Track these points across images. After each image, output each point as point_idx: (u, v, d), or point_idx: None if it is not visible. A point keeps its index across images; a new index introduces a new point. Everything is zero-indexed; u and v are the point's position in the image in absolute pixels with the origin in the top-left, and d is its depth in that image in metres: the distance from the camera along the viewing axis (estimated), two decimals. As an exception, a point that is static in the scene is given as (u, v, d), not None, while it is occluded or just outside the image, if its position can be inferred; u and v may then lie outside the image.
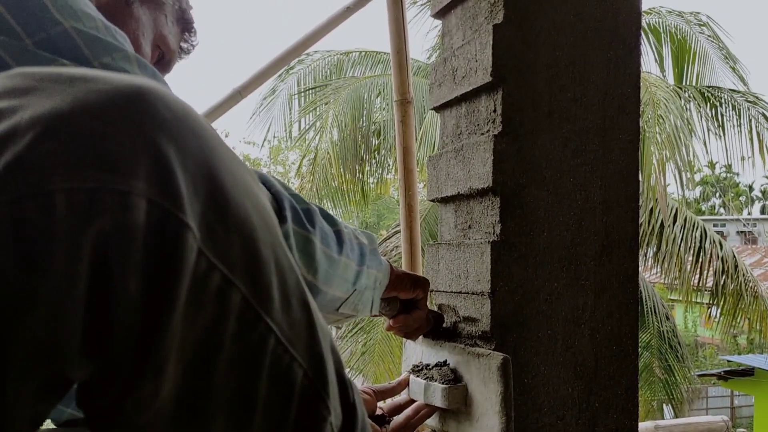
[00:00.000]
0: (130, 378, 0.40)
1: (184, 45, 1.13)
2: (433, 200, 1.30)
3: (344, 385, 0.55)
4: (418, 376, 1.20)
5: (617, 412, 1.16)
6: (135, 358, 0.40)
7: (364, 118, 7.25)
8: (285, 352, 0.47)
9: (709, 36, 7.64)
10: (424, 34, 7.64)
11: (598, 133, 1.16)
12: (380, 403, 1.20)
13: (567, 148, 1.14)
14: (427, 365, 1.21)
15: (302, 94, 7.75)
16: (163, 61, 1.06)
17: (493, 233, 1.12)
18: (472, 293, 1.17)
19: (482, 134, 1.16)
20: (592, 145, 1.15)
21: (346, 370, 0.57)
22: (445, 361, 1.18)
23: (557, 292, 1.14)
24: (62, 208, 0.37)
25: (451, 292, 1.23)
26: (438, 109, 1.30)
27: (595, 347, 1.15)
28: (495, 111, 1.12)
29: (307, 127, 7.65)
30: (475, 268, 1.15)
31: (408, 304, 1.17)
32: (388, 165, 7.58)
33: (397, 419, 1.16)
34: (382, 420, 1.16)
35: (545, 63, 1.13)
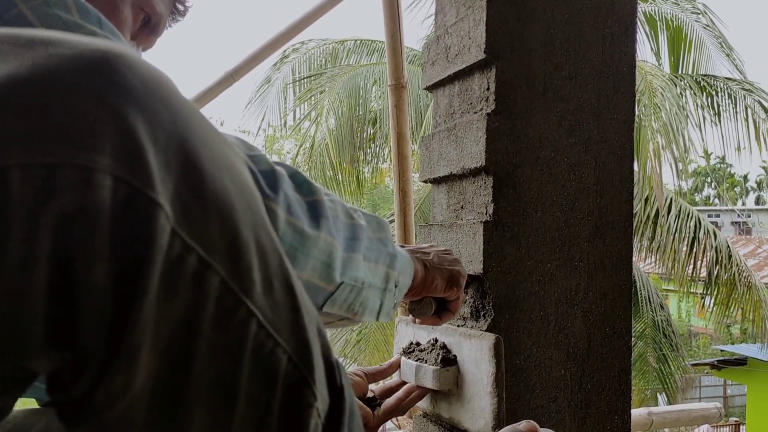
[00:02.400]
0: (99, 369, 0.37)
1: (178, 6, 1.00)
2: (425, 181, 1.29)
3: (331, 368, 0.53)
4: (409, 358, 1.19)
5: (610, 393, 1.15)
6: (104, 348, 0.37)
7: (360, 106, 7.23)
8: (268, 336, 0.44)
9: (705, 25, 7.62)
10: (419, 23, 7.59)
11: (593, 112, 1.14)
12: (371, 386, 1.19)
13: (561, 127, 1.13)
14: (419, 346, 1.20)
15: (297, 82, 7.72)
16: (150, 25, 0.94)
17: (486, 213, 1.11)
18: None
19: (475, 113, 1.14)
20: (586, 124, 1.14)
21: (334, 353, 0.55)
22: (437, 342, 1.17)
23: (550, 273, 1.13)
24: (17, 185, 0.34)
25: (444, 273, 1.22)
26: (431, 88, 1.29)
27: (588, 329, 1.14)
28: (488, 89, 1.11)
29: (303, 115, 7.63)
30: (467, 249, 1.14)
31: (440, 302, 1.03)
32: (384, 154, 7.57)
33: (388, 401, 1.15)
34: (373, 402, 1.15)
35: (540, 40, 1.11)
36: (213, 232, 0.41)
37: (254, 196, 0.46)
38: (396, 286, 0.91)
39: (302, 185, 0.77)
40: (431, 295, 0.99)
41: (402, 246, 0.96)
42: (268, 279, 0.45)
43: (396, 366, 1.22)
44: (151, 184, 0.37)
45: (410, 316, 1.06)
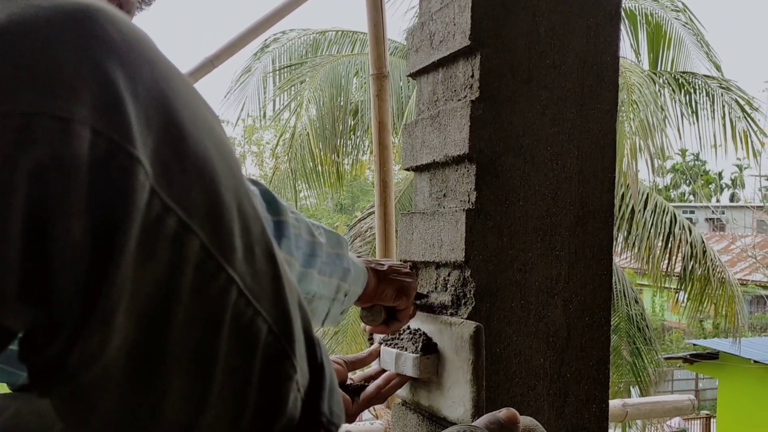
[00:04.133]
0: (75, 328, 0.37)
1: None
2: (408, 169, 1.28)
3: (312, 344, 0.52)
4: (389, 346, 1.19)
5: (588, 382, 1.16)
6: (79, 307, 0.36)
7: (342, 96, 7.19)
8: (248, 305, 0.43)
9: (684, 23, 7.69)
10: (402, 14, 7.57)
11: (577, 101, 1.14)
12: (351, 374, 1.18)
13: (545, 116, 1.12)
14: (400, 335, 1.19)
15: (278, 72, 7.66)
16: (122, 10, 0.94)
17: (468, 201, 1.11)
18: (446, 262, 1.15)
19: (459, 100, 1.13)
20: (569, 113, 1.14)
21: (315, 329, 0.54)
22: (418, 331, 1.17)
23: (531, 261, 1.13)
24: None
25: (425, 261, 1.21)
26: (414, 75, 1.28)
27: (568, 318, 1.15)
28: (473, 76, 1.10)
29: (283, 105, 7.57)
30: (449, 237, 1.13)
31: (390, 311, 1.13)
32: (364, 146, 7.54)
33: (368, 389, 1.14)
34: (352, 390, 1.14)
35: (525, 28, 1.10)
36: (194, 194, 0.40)
37: (236, 162, 0.45)
38: (346, 295, 1.01)
39: (271, 203, 0.82)
40: (382, 303, 1.10)
41: (359, 257, 1.06)
42: (250, 246, 0.44)
43: (376, 354, 1.21)
44: (130, 139, 0.37)
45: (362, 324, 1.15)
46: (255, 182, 0.80)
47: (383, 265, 1.11)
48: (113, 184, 0.36)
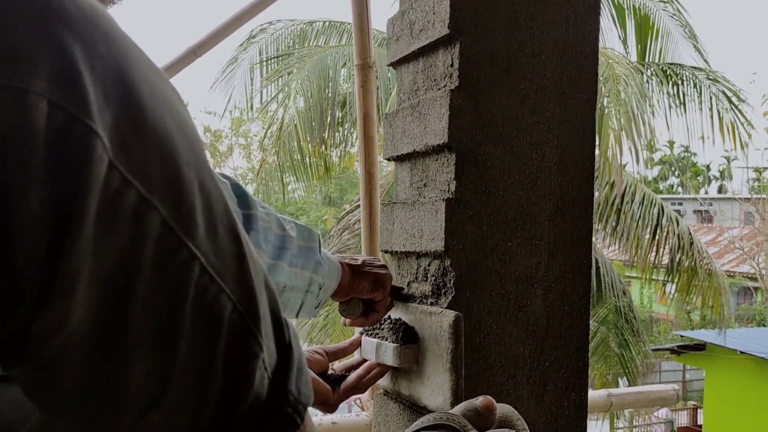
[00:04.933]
0: (36, 300, 0.37)
1: None
2: (389, 159, 1.28)
3: (279, 323, 0.52)
4: (370, 336, 1.19)
5: (567, 371, 1.16)
6: (40, 277, 0.36)
7: (330, 88, 7.17)
8: (211, 281, 0.43)
9: (672, 14, 7.71)
10: (389, 5, 7.54)
11: (556, 91, 1.14)
12: (332, 364, 1.19)
13: (524, 105, 1.12)
14: (380, 325, 1.20)
15: (264, 63, 7.62)
16: None
17: (448, 191, 1.11)
18: (426, 252, 1.15)
19: (439, 89, 1.13)
20: (549, 103, 1.14)
21: (282, 310, 0.54)
22: (398, 320, 1.17)
23: (511, 251, 1.13)
24: None
25: (406, 251, 1.21)
26: (395, 64, 1.27)
27: (547, 307, 1.15)
28: (452, 65, 1.10)
29: (271, 97, 7.54)
30: (429, 227, 1.13)
31: (368, 303, 1.16)
32: (353, 138, 7.52)
33: (349, 379, 1.15)
34: (333, 380, 1.14)
35: (504, 17, 1.10)
36: (153, 169, 0.40)
37: (196, 139, 0.45)
38: (320, 288, 1.04)
39: (241, 198, 0.85)
40: (358, 296, 1.13)
41: (348, 249, 1.07)
42: (212, 223, 0.44)
43: (357, 344, 1.22)
44: (87, 112, 0.37)
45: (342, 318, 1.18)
46: (225, 176, 0.83)
47: (357, 259, 1.14)
48: (71, 156, 0.36)
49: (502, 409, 0.84)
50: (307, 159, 7.30)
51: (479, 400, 0.82)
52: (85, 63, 0.37)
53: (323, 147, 7.32)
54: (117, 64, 0.39)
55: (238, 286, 0.46)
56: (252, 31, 7.63)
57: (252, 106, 7.90)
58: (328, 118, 7.21)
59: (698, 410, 13.69)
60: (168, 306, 0.42)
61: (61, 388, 0.40)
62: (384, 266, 1.15)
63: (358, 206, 6.83)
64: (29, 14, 0.36)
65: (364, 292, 1.12)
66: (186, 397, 0.44)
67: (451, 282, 1.10)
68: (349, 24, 7.40)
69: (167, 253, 0.41)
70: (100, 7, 0.41)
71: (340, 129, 7.51)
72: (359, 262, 1.14)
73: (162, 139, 0.41)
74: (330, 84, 7.18)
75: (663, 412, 13.30)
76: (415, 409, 1.15)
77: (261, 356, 0.48)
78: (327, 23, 7.78)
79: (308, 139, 7.19)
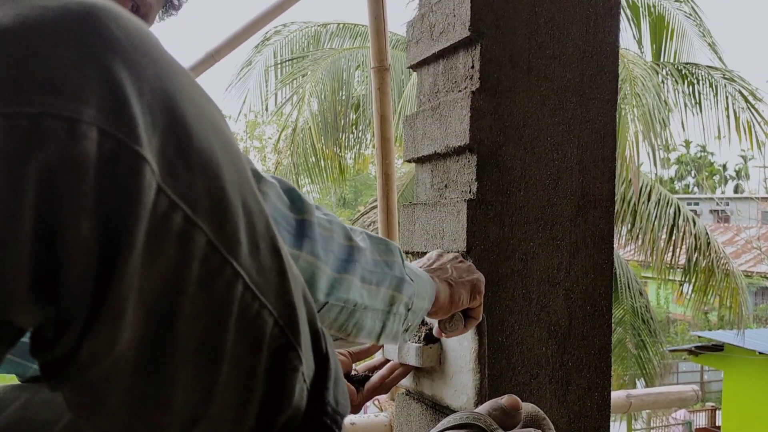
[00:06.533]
0: (84, 325, 0.37)
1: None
2: (409, 160, 1.29)
3: (317, 335, 0.53)
4: (392, 336, 1.20)
5: (590, 371, 1.17)
6: (89, 304, 0.37)
7: (344, 90, 7.18)
8: (254, 298, 0.44)
9: (688, 14, 7.66)
10: (404, 6, 7.56)
11: (576, 91, 1.15)
12: (355, 365, 1.19)
13: (545, 106, 1.13)
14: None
15: (279, 66, 7.65)
16: (138, 14, 0.89)
17: (470, 192, 1.11)
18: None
19: (459, 91, 1.14)
20: (569, 103, 1.14)
21: (319, 321, 0.54)
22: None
23: (533, 251, 1.13)
24: (1, 134, 0.34)
25: (427, 252, 1.22)
26: (415, 67, 1.28)
27: (570, 307, 1.15)
28: (473, 67, 1.10)
29: (285, 99, 7.57)
30: (451, 228, 1.14)
31: (464, 311, 1.01)
32: (367, 140, 7.54)
33: (372, 379, 1.15)
34: (356, 380, 1.15)
35: (524, 18, 1.11)
36: (199, 190, 0.40)
37: (240, 157, 0.46)
38: (408, 310, 0.89)
39: (296, 202, 0.75)
40: (458, 309, 0.98)
41: (422, 267, 0.95)
42: (255, 241, 0.45)
43: (379, 345, 1.22)
44: (137, 139, 0.37)
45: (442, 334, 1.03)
46: (276, 178, 0.76)
47: (446, 270, 0.99)
48: (121, 183, 0.36)
49: (527, 408, 0.85)
50: (322, 161, 7.33)
51: (504, 399, 0.82)
52: (133, 88, 0.38)
53: (337, 149, 7.34)
54: (163, 87, 0.40)
55: (279, 301, 0.46)
56: (266, 33, 7.68)
57: (267, 108, 7.94)
58: (342, 121, 7.23)
59: (716, 411, 13.57)
60: (212, 324, 0.42)
61: (107, 407, 0.41)
62: (472, 267, 1.01)
63: (373, 208, 6.84)
64: (77, 43, 0.36)
65: (464, 304, 0.98)
66: (227, 411, 0.45)
67: (473, 282, 1.10)
68: (362, 26, 7.42)
69: (212, 273, 0.41)
70: (146, 31, 0.41)
71: (354, 131, 7.53)
72: (450, 273, 0.98)
73: (207, 160, 0.41)
74: (344, 86, 7.20)
75: (680, 414, 13.20)
76: (438, 408, 1.16)
77: (300, 369, 0.48)
78: (341, 25, 7.81)
79: (322, 141, 7.21)
